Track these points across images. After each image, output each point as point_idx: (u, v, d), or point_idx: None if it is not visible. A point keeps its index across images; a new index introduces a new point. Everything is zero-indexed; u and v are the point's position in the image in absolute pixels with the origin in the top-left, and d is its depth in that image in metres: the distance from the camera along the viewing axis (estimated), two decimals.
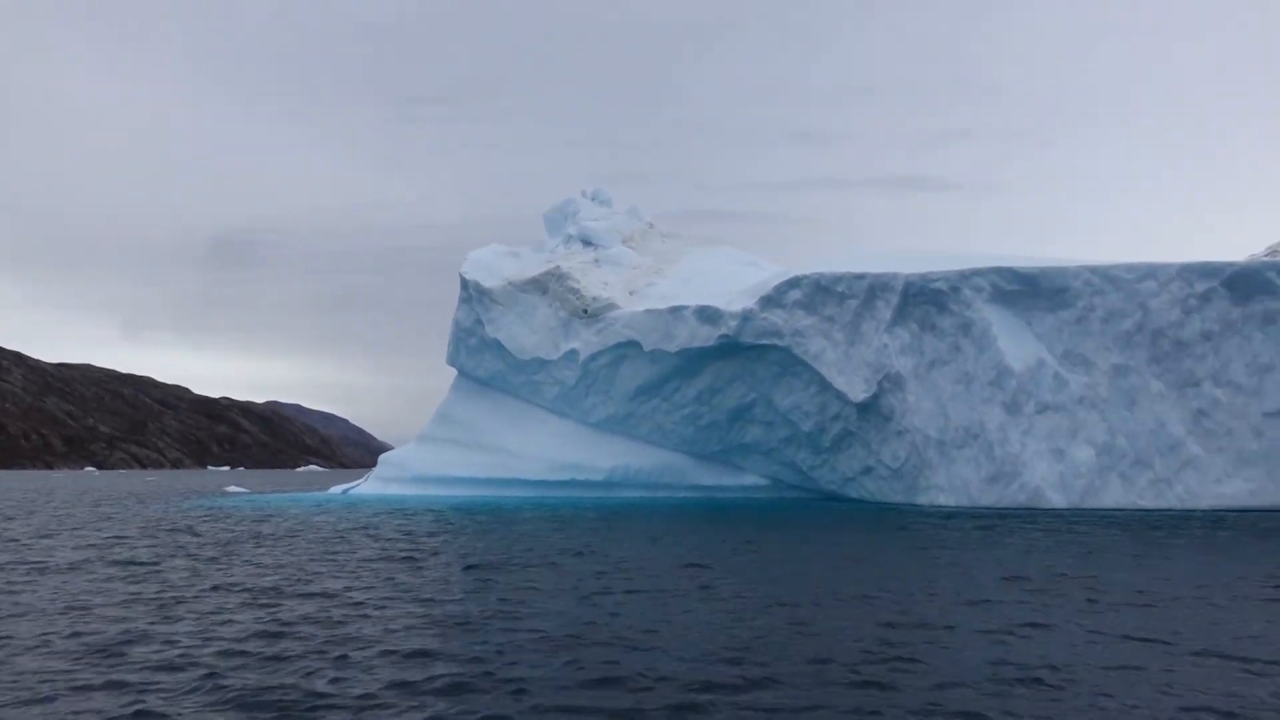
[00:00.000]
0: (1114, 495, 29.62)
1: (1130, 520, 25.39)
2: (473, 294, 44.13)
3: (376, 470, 46.55)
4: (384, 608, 11.56)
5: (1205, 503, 29.20)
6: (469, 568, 15.64)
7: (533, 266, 45.46)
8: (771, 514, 30.20)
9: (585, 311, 41.87)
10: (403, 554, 17.65)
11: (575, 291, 42.49)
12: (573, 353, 41.54)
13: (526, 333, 43.29)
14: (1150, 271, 30.28)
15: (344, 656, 8.86)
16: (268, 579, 14.28)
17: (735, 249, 49.46)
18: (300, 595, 12.64)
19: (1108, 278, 30.56)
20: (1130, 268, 30.54)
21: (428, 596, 12.48)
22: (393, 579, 14.18)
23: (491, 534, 22.36)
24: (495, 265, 46.33)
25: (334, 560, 16.76)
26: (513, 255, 47.82)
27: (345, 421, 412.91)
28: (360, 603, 11.97)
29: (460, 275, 45.09)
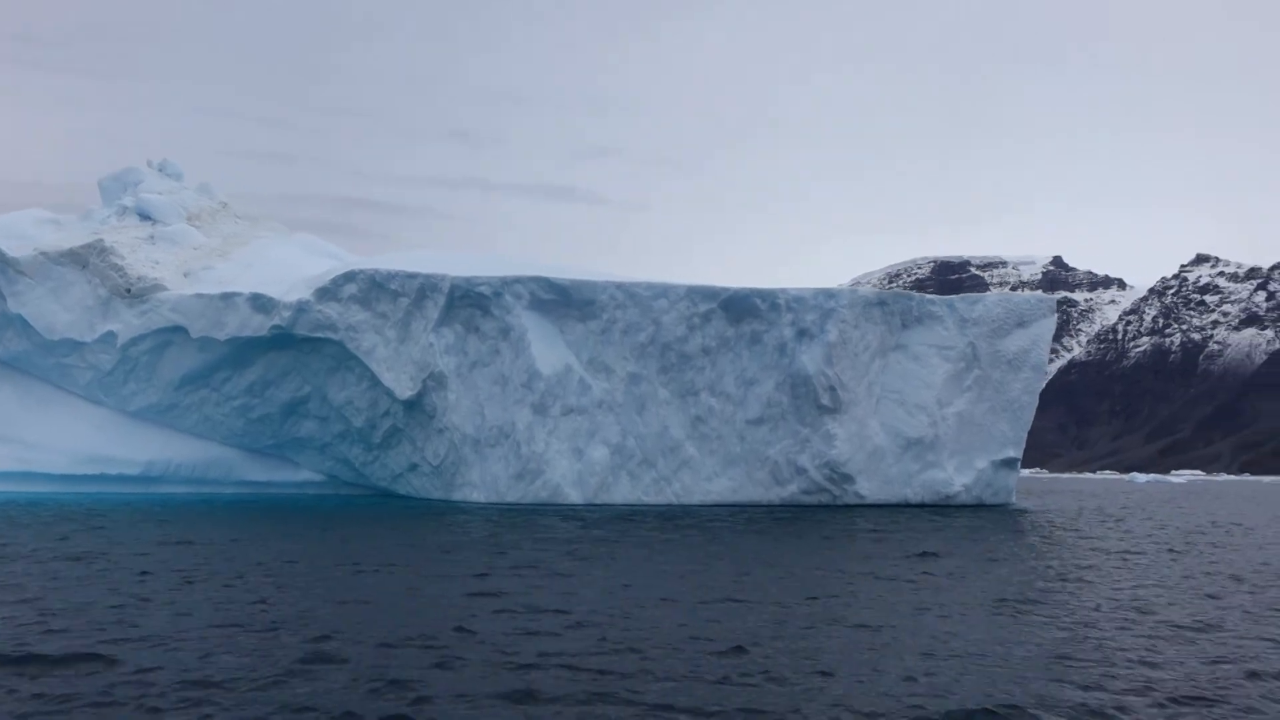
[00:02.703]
0: (623, 491, 32.54)
1: (628, 513, 28.04)
2: None
3: None
4: None
5: (697, 498, 32.98)
6: None
7: (75, 237, 40.99)
8: (291, 511, 29.68)
9: (128, 291, 38.49)
10: None
11: (118, 268, 38.91)
12: (111, 335, 38.02)
13: (58, 310, 38.97)
14: (663, 291, 33.66)
15: None
16: None
17: (315, 237, 48.11)
18: None
19: (629, 293, 33.52)
20: (648, 286, 33.74)
21: None
22: None
23: None
24: (28, 232, 41.29)
25: None
26: (53, 223, 42.95)
27: None
28: None
29: None
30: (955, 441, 34.88)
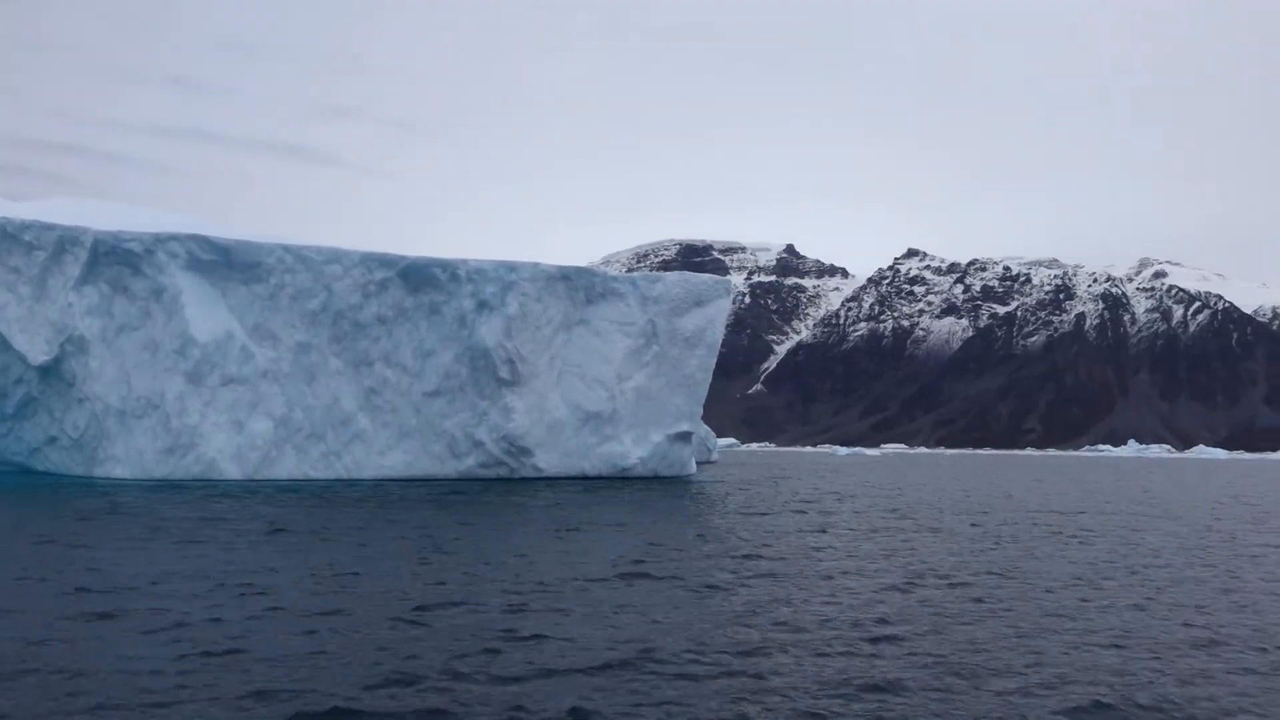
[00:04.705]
0: (288, 466, 30.93)
1: (282, 489, 26.61)
2: None
3: None
4: None
5: (369, 473, 31.96)
6: None
7: None
8: None
9: None
10: None
11: None
12: None
13: None
14: (336, 256, 32.22)
15: None
16: None
17: None
18: None
19: (299, 257, 31.81)
20: (320, 250, 32.18)
21: None
22: None
23: None
24: None
25: None
26: None
27: None
28: None
29: None
30: (633, 415, 35.92)
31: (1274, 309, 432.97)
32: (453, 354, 32.89)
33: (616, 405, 35.45)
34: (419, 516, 20.01)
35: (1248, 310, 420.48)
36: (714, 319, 37.47)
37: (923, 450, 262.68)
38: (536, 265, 34.14)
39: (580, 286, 35.51)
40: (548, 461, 34.21)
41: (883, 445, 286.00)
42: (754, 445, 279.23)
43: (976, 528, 20.41)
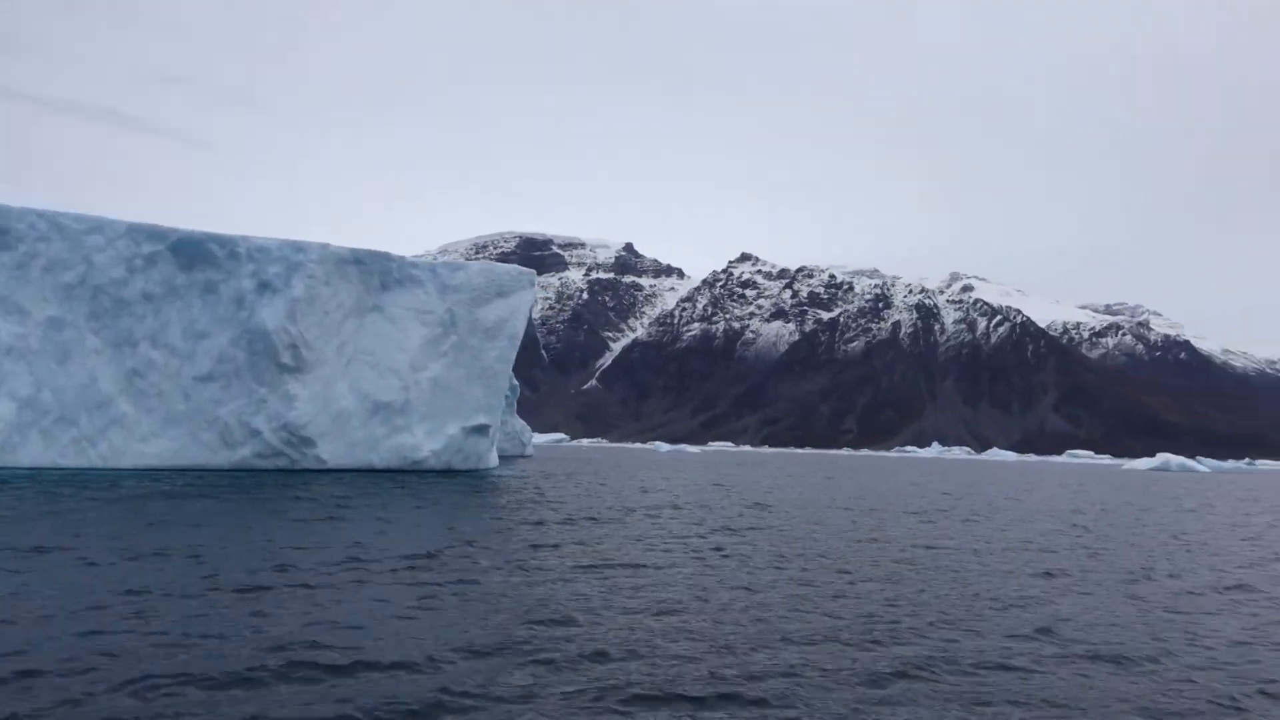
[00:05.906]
0: (32, 453, 28.22)
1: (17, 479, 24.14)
2: None
3: None
4: None
5: (128, 461, 29.61)
6: None
7: None
8: None
9: None
10: None
11: None
12: None
13: None
14: (98, 226, 29.72)
15: None
16: None
17: None
18: None
19: (55, 224, 29.14)
20: (79, 219, 29.58)
21: None
22: None
23: None
24: None
25: None
26: None
27: None
28: None
29: None
30: (427, 406, 34.84)
31: (1064, 324, 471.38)
32: (229, 337, 30.93)
33: (410, 395, 34.28)
34: (131, 510, 18.49)
35: (1042, 324, 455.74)
36: (517, 310, 36.85)
37: (747, 448, 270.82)
38: (326, 246, 32.55)
39: (375, 271, 34.15)
40: (331, 453, 32.70)
41: (710, 442, 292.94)
42: (585, 441, 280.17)
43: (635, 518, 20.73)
